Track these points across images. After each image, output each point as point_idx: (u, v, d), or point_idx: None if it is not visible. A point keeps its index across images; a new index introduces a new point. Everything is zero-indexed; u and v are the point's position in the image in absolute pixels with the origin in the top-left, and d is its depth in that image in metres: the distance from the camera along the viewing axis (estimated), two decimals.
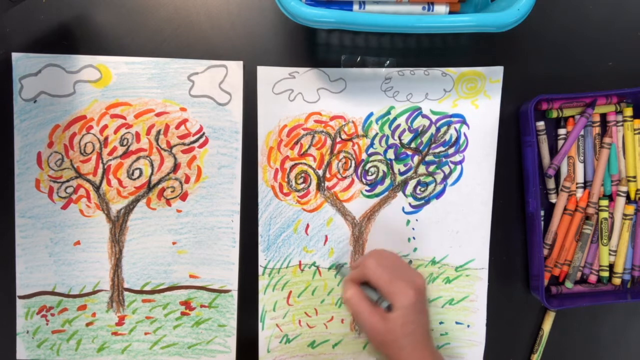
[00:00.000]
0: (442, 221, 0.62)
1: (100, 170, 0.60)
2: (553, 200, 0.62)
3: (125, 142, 0.60)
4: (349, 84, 0.60)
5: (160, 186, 0.60)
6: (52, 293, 0.60)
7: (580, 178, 0.61)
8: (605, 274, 0.61)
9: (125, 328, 0.61)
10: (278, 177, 0.61)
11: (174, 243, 0.61)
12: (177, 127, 0.60)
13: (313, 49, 0.60)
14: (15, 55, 0.58)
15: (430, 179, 0.62)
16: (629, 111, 0.60)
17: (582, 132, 0.61)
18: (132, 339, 0.61)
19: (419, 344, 0.49)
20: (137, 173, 0.60)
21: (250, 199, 0.61)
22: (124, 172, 0.60)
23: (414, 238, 0.62)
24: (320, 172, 0.61)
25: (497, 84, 0.61)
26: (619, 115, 0.61)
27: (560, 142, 0.61)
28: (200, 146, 0.60)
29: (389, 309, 0.50)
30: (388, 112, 0.61)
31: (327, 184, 0.61)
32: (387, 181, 0.62)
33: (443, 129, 0.61)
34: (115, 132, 0.60)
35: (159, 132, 0.60)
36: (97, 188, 0.60)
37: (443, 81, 0.61)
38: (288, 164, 0.61)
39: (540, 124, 0.61)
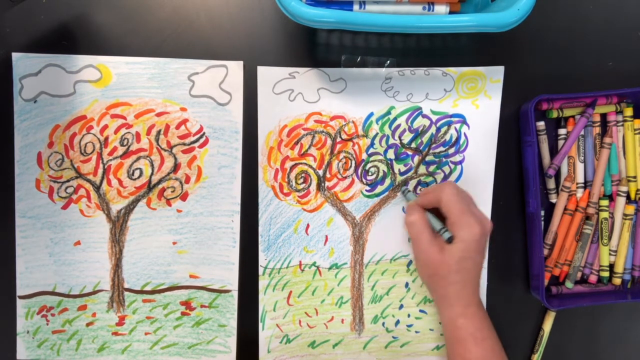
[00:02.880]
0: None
1: (100, 170, 0.60)
2: (553, 200, 0.62)
3: (125, 142, 0.60)
4: (349, 84, 0.60)
5: (160, 186, 0.60)
6: (52, 293, 0.60)
7: (580, 178, 0.61)
8: (606, 274, 0.61)
9: (125, 328, 0.61)
10: (278, 177, 0.61)
11: (174, 243, 0.61)
12: (177, 127, 0.60)
13: (313, 49, 0.60)
14: (15, 55, 0.58)
15: (430, 179, 0.62)
16: (629, 111, 0.60)
17: (582, 132, 0.61)
18: (132, 339, 0.61)
19: (469, 282, 0.49)
20: (137, 173, 0.60)
21: (251, 199, 0.61)
22: (124, 172, 0.60)
23: None
24: (321, 172, 0.61)
25: (497, 84, 0.61)
26: (619, 115, 0.61)
27: (561, 142, 0.61)
28: (201, 146, 0.60)
29: (449, 241, 0.49)
30: (388, 112, 0.61)
31: (327, 184, 0.61)
32: (388, 181, 0.62)
33: (443, 129, 0.61)
34: (116, 132, 0.60)
35: (159, 132, 0.60)
36: (97, 188, 0.60)
37: (443, 81, 0.61)
38: (288, 164, 0.61)
39: (541, 124, 0.61)
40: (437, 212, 0.55)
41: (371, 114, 0.61)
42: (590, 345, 0.64)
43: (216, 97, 0.60)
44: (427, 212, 0.52)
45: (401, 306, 0.62)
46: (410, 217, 0.51)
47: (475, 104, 0.61)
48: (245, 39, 0.60)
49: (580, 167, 0.61)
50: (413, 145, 0.61)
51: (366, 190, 0.61)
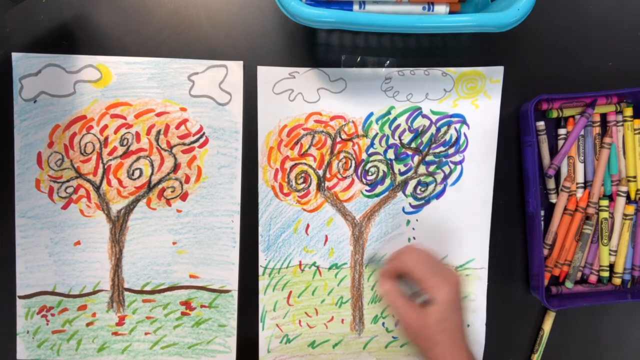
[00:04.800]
0: (442, 221, 0.62)
1: (100, 170, 0.60)
2: (553, 200, 0.62)
3: (125, 142, 0.60)
4: (349, 84, 0.60)
5: (160, 186, 0.60)
6: (52, 293, 0.60)
7: (580, 178, 0.61)
8: (606, 274, 0.61)
9: (125, 328, 0.61)
10: (278, 177, 0.61)
11: (174, 243, 0.61)
12: (177, 127, 0.60)
13: (313, 49, 0.60)
14: (15, 55, 0.58)
15: (430, 179, 0.62)
16: (629, 111, 0.60)
17: (582, 132, 0.61)
18: (132, 339, 0.61)
19: (455, 340, 0.49)
20: (137, 173, 0.60)
21: (250, 199, 0.61)
22: (124, 172, 0.60)
23: (414, 238, 0.62)
24: (321, 172, 0.61)
25: (497, 84, 0.61)
26: (619, 115, 0.61)
27: (561, 142, 0.61)
28: (201, 146, 0.60)
29: (424, 304, 0.50)
30: (388, 112, 0.61)
31: (327, 184, 0.61)
32: (387, 181, 0.62)
33: (443, 129, 0.61)
34: (116, 132, 0.60)
35: (159, 132, 0.60)
36: (97, 188, 0.60)
37: (443, 81, 0.61)
38: (288, 164, 0.61)
39: (540, 124, 0.61)
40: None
41: (371, 114, 0.61)
42: (590, 345, 0.64)
43: (216, 97, 0.60)
44: (399, 277, 0.52)
45: None
46: (383, 288, 0.52)
47: (475, 104, 0.61)
48: (245, 39, 0.60)
49: (580, 167, 0.61)
50: (413, 145, 0.61)
51: (366, 190, 0.61)
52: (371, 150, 0.61)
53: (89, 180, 0.60)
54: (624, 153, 0.61)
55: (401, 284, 0.52)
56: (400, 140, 0.61)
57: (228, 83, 0.60)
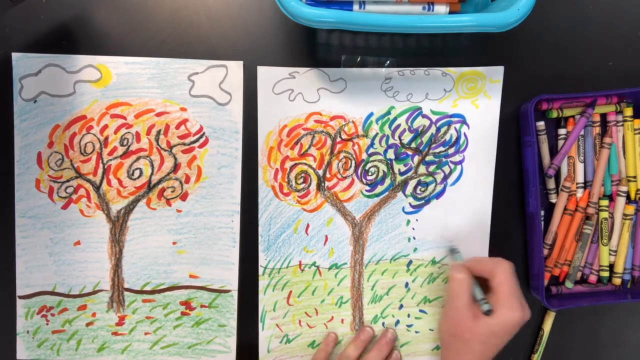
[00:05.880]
0: (442, 221, 0.62)
1: (100, 170, 0.60)
2: (553, 200, 0.62)
3: (125, 142, 0.60)
4: (349, 84, 0.60)
5: (160, 186, 0.60)
6: (52, 293, 0.60)
7: (580, 178, 0.61)
8: (606, 274, 0.61)
9: (125, 328, 0.61)
10: (278, 177, 0.61)
11: (174, 243, 0.61)
12: (177, 127, 0.60)
13: (313, 49, 0.60)
14: (15, 55, 0.58)
15: (430, 179, 0.62)
16: (629, 111, 0.60)
17: (582, 132, 0.61)
18: (132, 339, 0.61)
19: (486, 358, 0.50)
20: (137, 173, 0.60)
21: (250, 199, 0.61)
22: (124, 172, 0.60)
23: (414, 238, 0.62)
24: (321, 172, 0.61)
25: (497, 84, 0.61)
26: (619, 115, 0.61)
27: (560, 142, 0.61)
28: (201, 146, 0.60)
29: (486, 314, 0.50)
30: (388, 112, 0.61)
31: (327, 184, 0.61)
32: (387, 181, 0.62)
33: (443, 129, 0.61)
34: (116, 132, 0.60)
35: (159, 132, 0.60)
36: (97, 188, 0.60)
37: (443, 81, 0.61)
38: (288, 164, 0.61)
39: (540, 124, 0.61)
40: (480, 281, 0.56)
41: (371, 114, 0.61)
42: (590, 345, 0.64)
43: (216, 97, 0.60)
44: (473, 278, 0.53)
45: (401, 306, 0.62)
46: (458, 275, 0.52)
47: (475, 104, 0.61)
48: (245, 39, 0.60)
49: (580, 167, 0.61)
50: (413, 145, 0.61)
51: (366, 190, 0.61)
52: (371, 150, 0.61)
53: (89, 180, 0.60)
54: (624, 153, 0.61)
55: (474, 284, 0.52)
56: (400, 140, 0.61)
57: (228, 83, 0.60)
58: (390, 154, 0.61)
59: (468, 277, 0.52)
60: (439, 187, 0.62)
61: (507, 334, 0.50)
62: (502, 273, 0.51)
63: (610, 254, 0.61)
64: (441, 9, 0.56)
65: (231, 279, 0.61)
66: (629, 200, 0.61)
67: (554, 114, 0.61)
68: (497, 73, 0.61)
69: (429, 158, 0.62)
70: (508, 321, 0.49)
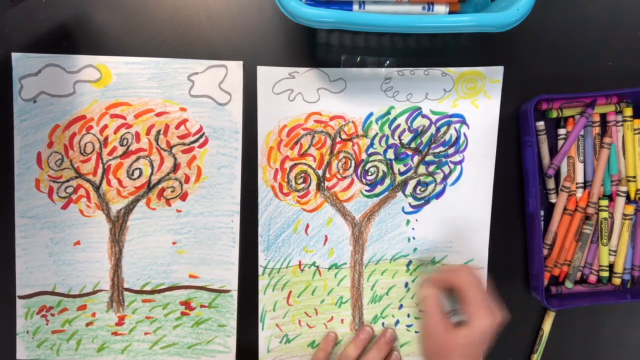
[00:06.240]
0: (442, 221, 0.62)
1: (100, 170, 0.60)
2: (553, 200, 0.62)
3: (125, 142, 0.60)
4: (349, 84, 0.60)
5: (160, 186, 0.60)
6: (52, 293, 0.60)
7: (580, 178, 0.61)
8: (605, 274, 0.61)
9: (125, 328, 0.61)
10: (278, 177, 0.61)
11: (173, 243, 0.61)
12: (177, 127, 0.60)
13: (313, 49, 0.60)
14: (15, 55, 0.58)
15: (430, 179, 0.62)
16: (628, 111, 0.60)
17: (582, 132, 0.61)
18: (132, 339, 0.61)
19: None
20: (137, 173, 0.60)
21: (250, 199, 0.61)
22: (123, 172, 0.60)
23: (414, 238, 0.62)
24: (320, 172, 0.61)
25: (497, 84, 0.61)
26: (619, 115, 0.61)
27: (560, 142, 0.61)
28: (200, 146, 0.60)
29: (457, 324, 0.50)
30: (388, 112, 0.61)
31: (327, 184, 0.61)
32: (387, 181, 0.62)
33: (443, 129, 0.61)
34: (115, 132, 0.60)
35: (158, 132, 0.60)
36: (97, 188, 0.60)
37: (443, 81, 0.61)
38: (288, 164, 0.61)
39: (540, 124, 0.61)
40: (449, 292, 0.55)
41: (371, 114, 0.61)
42: (590, 345, 0.64)
43: (216, 97, 0.60)
44: (443, 290, 0.52)
45: (401, 306, 0.62)
46: (424, 292, 0.52)
47: (475, 104, 0.61)
48: (245, 39, 0.60)
49: (579, 167, 0.61)
50: (413, 145, 0.61)
51: (366, 190, 0.62)
52: (371, 150, 0.61)
53: (88, 180, 0.60)
54: (624, 153, 0.61)
55: (442, 297, 0.52)
56: (400, 140, 0.61)
57: (228, 83, 0.60)
58: (390, 154, 0.61)
59: (435, 292, 0.52)
60: (439, 187, 0.62)
61: (483, 342, 0.50)
62: (465, 282, 0.51)
63: (610, 254, 0.61)
64: (441, 9, 0.56)
65: (231, 279, 0.61)
66: (628, 200, 0.61)
67: (554, 114, 0.61)
68: (496, 73, 0.61)
69: (428, 158, 0.62)
70: (480, 330, 0.49)
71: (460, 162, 0.62)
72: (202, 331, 0.61)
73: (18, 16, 0.59)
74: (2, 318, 0.60)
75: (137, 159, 0.60)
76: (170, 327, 0.61)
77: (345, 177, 0.61)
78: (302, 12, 0.49)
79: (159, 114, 0.60)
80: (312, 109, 0.61)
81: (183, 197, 0.60)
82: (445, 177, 0.62)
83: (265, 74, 0.60)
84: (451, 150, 0.62)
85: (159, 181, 0.60)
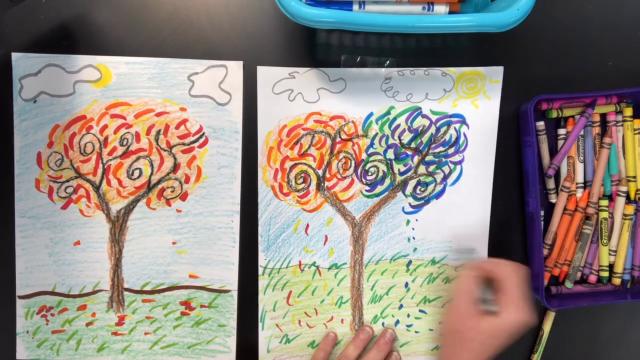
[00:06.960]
0: (442, 221, 0.62)
1: (100, 170, 0.60)
2: (553, 200, 0.62)
3: (125, 142, 0.60)
4: (349, 84, 0.60)
5: (160, 186, 0.60)
6: (52, 293, 0.60)
7: (580, 178, 0.61)
8: (605, 274, 0.61)
9: (125, 328, 0.61)
10: (278, 177, 0.61)
11: (173, 243, 0.61)
12: (177, 127, 0.60)
13: (313, 49, 0.60)
14: (15, 55, 0.58)
15: (430, 179, 0.62)
16: (629, 111, 0.60)
17: (582, 132, 0.61)
18: (132, 339, 0.61)
19: (484, 357, 0.50)
20: (137, 173, 0.60)
21: (250, 199, 0.61)
22: (123, 172, 0.60)
23: (413, 238, 0.62)
24: (320, 172, 0.61)
25: (497, 84, 0.61)
26: (619, 115, 0.61)
27: (560, 142, 0.61)
28: (200, 146, 0.60)
29: (486, 312, 0.50)
30: (388, 112, 0.61)
31: (327, 184, 0.61)
32: (387, 181, 0.62)
33: (443, 129, 0.61)
34: (115, 132, 0.60)
35: (158, 132, 0.60)
36: (97, 188, 0.60)
37: (443, 81, 0.61)
38: (288, 164, 0.61)
39: (540, 124, 0.61)
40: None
41: (371, 114, 0.61)
42: (590, 345, 0.64)
43: (216, 97, 0.60)
44: (479, 277, 0.53)
45: (401, 306, 0.62)
46: (464, 272, 0.52)
47: (475, 104, 0.61)
48: (245, 39, 0.60)
49: (580, 167, 0.61)
50: (413, 145, 0.61)
51: (366, 190, 0.61)
52: (371, 150, 0.61)
53: (88, 180, 0.60)
54: (624, 153, 0.61)
55: (483, 284, 0.52)
56: (400, 140, 0.61)
57: (228, 83, 0.60)
58: (390, 154, 0.61)
59: (472, 275, 0.52)
60: (439, 187, 0.62)
61: (508, 336, 0.50)
62: (508, 273, 0.51)
63: (610, 254, 0.61)
64: (441, 9, 0.56)
65: (231, 279, 0.61)
66: (628, 200, 0.61)
67: (554, 114, 0.61)
68: (496, 73, 0.61)
69: (428, 158, 0.62)
70: (512, 323, 0.49)
71: (460, 162, 0.62)
72: (202, 331, 0.61)
73: (18, 16, 0.59)
74: (2, 318, 0.60)
75: (137, 159, 0.60)
76: (170, 327, 0.61)
77: (345, 177, 0.61)
78: (302, 12, 0.49)
79: (159, 114, 0.60)
80: (312, 109, 0.61)
81: (183, 197, 0.60)
82: (445, 177, 0.62)
83: (265, 74, 0.60)
84: (451, 150, 0.62)
85: (159, 181, 0.60)
